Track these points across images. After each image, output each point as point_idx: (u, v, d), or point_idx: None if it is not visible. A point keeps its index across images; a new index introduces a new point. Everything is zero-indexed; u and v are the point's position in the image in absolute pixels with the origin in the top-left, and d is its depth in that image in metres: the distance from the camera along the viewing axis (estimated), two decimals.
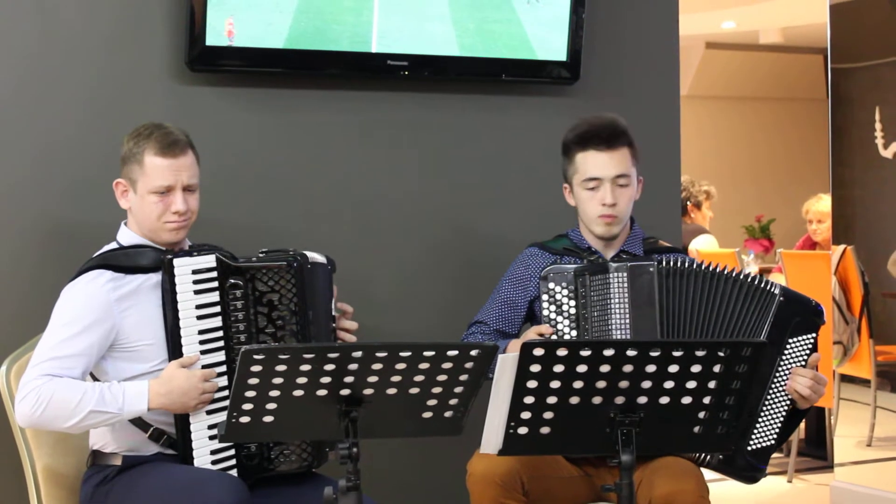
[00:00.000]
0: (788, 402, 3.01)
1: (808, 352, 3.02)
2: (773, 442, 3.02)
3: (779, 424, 3.02)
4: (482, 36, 3.81)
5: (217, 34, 3.48)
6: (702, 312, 3.03)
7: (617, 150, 3.16)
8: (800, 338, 3.01)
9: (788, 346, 3.00)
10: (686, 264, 3.06)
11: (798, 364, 3.01)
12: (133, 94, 3.51)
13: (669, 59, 4.28)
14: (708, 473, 3.01)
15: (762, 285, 3.02)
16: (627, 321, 3.02)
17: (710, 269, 3.05)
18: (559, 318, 3.06)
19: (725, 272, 3.04)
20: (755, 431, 3.00)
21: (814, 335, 3.02)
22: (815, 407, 5.90)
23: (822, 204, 6.53)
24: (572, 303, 3.07)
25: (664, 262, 3.05)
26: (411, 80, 3.82)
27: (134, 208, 2.95)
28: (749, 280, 3.04)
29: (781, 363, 3.00)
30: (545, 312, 3.07)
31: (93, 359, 2.83)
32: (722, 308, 3.03)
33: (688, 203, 6.99)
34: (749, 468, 3.02)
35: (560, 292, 3.07)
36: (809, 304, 3.05)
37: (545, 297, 3.07)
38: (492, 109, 3.97)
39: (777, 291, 3.01)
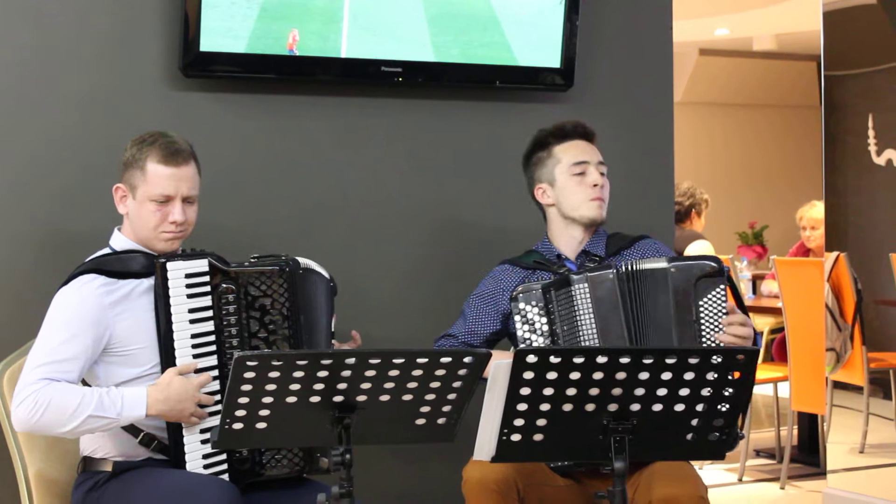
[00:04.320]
0: None
1: (724, 303, 3.01)
2: None
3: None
4: (466, 59, 3.82)
5: (214, 41, 3.48)
6: (654, 309, 3.04)
7: (594, 144, 3.31)
8: (709, 296, 3.00)
9: (702, 309, 3.00)
10: (643, 265, 3.05)
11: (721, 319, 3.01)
12: (127, 99, 3.51)
13: (663, 66, 4.28)
14: (706, 476, 3.01)
15: (652, 267, 3.03)
16: (594, 330, 3.03)
17: (647, 264, 3.05)
18: (533, 336, 3.08)
19: (654, 265, 3.04)
20: None
21: (721, 287, 3.01)
22: (807, 414, 5.98)
23: (815, 211, 6.53)
24: (544, 319, 3.08)
25: (623, 267, 3.06)
26: (405, 87, 3.82)
27: (131, 214, 2.95)
28: (644, 267, 3.03)
29: (703, 330, 3.00)
30: (519, 333, 3.09)
31: (87, 362, 2.83)
32: (661, 300, 3.04)
33: (692, 210, 7.00)
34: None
35: (531, 311, 3.08)
36: (702, 263, 3.04)
37: (517, 317, 3.10)
38: (486, 116, 3.97)
39: (665, 265, 3.02)
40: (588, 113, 4.03)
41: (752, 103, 11.00)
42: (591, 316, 3.04)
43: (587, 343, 3.03)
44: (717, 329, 2.99)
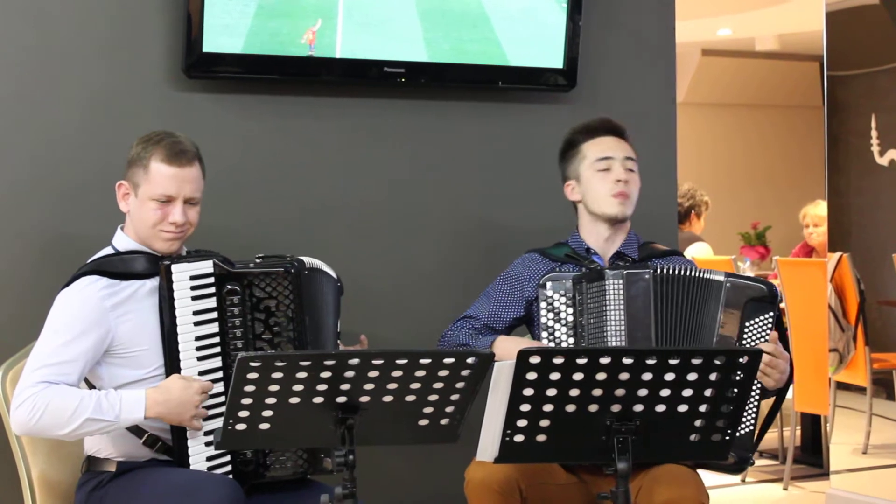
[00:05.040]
0: (759, 386, 2.99)
1: (769, 331, 3.00)
2: (751, 428, 3.00)
3: (753, 409, 3.01)
4: (457, 55, 3.81)
5: (216, 42, 3.48)
6: (693, 317, 3.04)
7: (624, 140, 3.30)
8: (756, 319, 3.00)
9: (747, 330, 3.00)
10: (681, 270, 3.06)
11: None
12: (130, 100, 3.51)
13: (666, 66, 4.28)
14: (707, 479, 3.01)
15: (706, 276, 3.04)
16: (622, 328, 3.03)
17: (701, 273, 3.05)
18: (557, 326, 3.07)
19: (711, 276, 3.04)
20: None
21: (771, 314, 3.01)
22: (810, 415, 5.97)
23: (819, 208, 6.53)
24: (570, 310, 3.07)
25: (659, 269, 3.05)
26: (408, 87, 3.82)
27: (132, 212, 2.94)
28: (697, 274, 3.04)
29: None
30: (543, 320, 3.07)
31: (88, 364, 2.83)
32: (693, 308, 3.04)
33: (692, 211, 6.99)
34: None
35: (558, 300, 3.07)
36: (759, 285, 3.04)
37: (543, 304, 3.08)
38: (489, 116, 3.97)
39: (722, 279, 3.03)
40: (590, 113, 4.01)
41: (754, 104, 10.99)
42: (622, 313, 3.03)
43: (613, 340, 3.02)
44: None
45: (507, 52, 3.87)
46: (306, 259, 3.02)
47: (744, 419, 2.99)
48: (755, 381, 2.95)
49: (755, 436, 3.03)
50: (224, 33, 3.48)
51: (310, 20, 3.60)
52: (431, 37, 3.77)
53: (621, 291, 3.04)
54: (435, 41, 3.77)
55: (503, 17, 3.84)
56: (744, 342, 2.99)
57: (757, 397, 3.01)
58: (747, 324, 3.00)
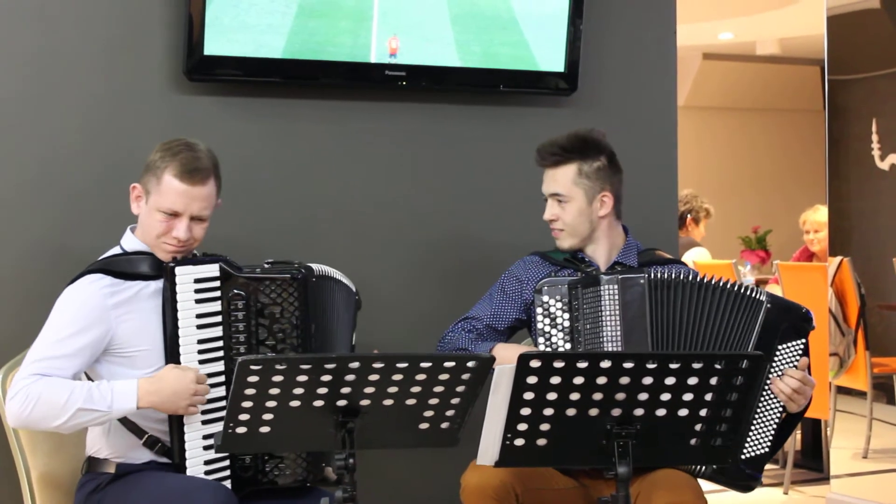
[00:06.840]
0: (781, 410, 3.01)
1: (799, 357, 3.01)
2: (766, 450, 3.01)
3: (772, 432, 3.01)
4: (487, 59, 3.83)
5: (254, 38, 3.50)
6: (692, 323, 3.04)
7: (557, 169, 3.23)
8: (789, 344, 3.01)
9: (778, 353, 3.00)
10: (678, 275, 3.06)
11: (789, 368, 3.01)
12: (131, 103, 3.51)
13: (667, 70, 4.28)
14: (705, 485, 3.01)
15: (749, 293, 3.04)
16: (619, 333, 3.03)
17: (701, 279, 3.05)
18: (553, 331, 3.07)
19: (715, 282, 3.05)
20: (748, 439, 2.99)
21: (803, 340, 3.02)
22: (810, 419, 5.97)
23: (819, 214, 6.54)
24: (566, 315, 3.07)
25: (655, 274, 3.05)
26: (409, 91, 3.82)
27: (141, 217, 2.94)
28: (737, 289, 3.04)
29: (772, 370, 2.99)
30: (540, 325, 3.08)
31: (85, 361, 2.83)
32: (712, 318, 3.04)
33: (688, 216, 6.99)
34: (744, 476, 3.01)
35: (554, 305, 3.08)
36: (798, 310, 3.05)
37: (539, 309, 3.08)
38: (490, 120, 3.97)
39: (764, 298, 3.02)
40: (591, 117, 4.03)
41: (755, 108, 11.00)
42: (618, 318, 3.03)
43: (610, 344, 3.03)
44: (780, 375, 2.99)
45: (535, 55, 3.88)
46: (316, 266, 3.01)
47: (761, 440, 3.01)
48: (779, 404, 2.99)
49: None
50: (269, 31, 3.52)
51: (346, 21, 3.62)
52: (463, 40, 3.78)
53: (617, 296, 3.04)
54: (466, 44, 3.79)
55: (532, 21, 3.85)
56: (773, 364, 2.99)
57: (777, 419, 3.02)
58: (780, 347, 3.00)
